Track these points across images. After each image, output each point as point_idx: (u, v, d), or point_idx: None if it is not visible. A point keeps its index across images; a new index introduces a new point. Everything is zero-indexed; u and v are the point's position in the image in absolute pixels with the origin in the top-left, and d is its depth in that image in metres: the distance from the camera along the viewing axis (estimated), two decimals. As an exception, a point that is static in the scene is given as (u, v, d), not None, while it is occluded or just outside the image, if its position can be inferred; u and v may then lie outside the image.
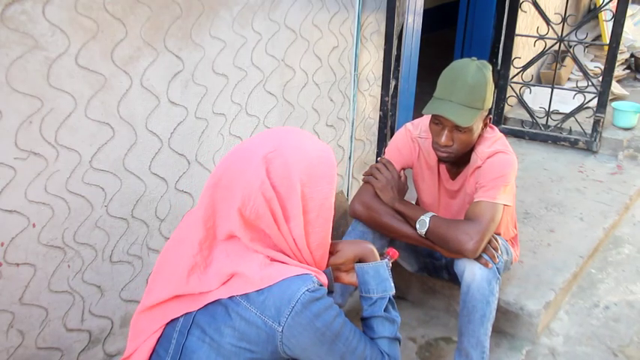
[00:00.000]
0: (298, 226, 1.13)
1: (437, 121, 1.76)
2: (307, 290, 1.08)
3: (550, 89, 3.63)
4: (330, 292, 1.20)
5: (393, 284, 1.34)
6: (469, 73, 1.70)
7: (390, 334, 1.28)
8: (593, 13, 3.78)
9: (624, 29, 3.36)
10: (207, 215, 1.14)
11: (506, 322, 2.16)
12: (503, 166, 1.79)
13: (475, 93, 1.70)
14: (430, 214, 1.81)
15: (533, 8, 3.54)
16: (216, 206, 1.14)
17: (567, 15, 3.48)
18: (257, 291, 1.08)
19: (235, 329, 1.09)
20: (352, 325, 1.18)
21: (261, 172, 1.10)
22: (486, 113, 1.79)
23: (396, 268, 1.46)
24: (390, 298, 1.32)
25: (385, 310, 1.30)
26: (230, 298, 1.10)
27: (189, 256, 1.13)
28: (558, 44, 3.54)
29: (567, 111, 3.63)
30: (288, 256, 1.15)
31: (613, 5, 3.34)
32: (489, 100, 1.77)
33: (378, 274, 1.33)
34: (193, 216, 1.19)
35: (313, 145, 1.17)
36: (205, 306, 1.12)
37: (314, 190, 1.14)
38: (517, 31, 3.61)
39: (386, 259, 1.38)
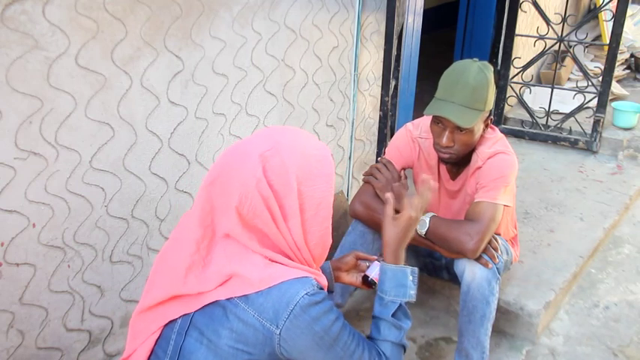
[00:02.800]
0: (296, 224, 1.12)
1: (438, 121, 1.76)
2: (306, 294, 1.07)
3: (550, 89, 3.63)
4: (329, 291, 1.19)
5: (413, 293, 1.32)
6: (471, 74, 1.70)
7: (395, 339, 1.27)
8: (593, 13, 3.78)
9: (624, 29, 3.36)
10: (204, 213, 1.13)
11: (506, 322, 2.16)
12: (503, 166, 1.79)
13: (476, 94, 1.70)
14: (430, 214, 1.81)
15: (533, 8, 3.54)
16: (214, 204, 1.13)
17: (567, 15, 3.48)
18: (256, 293, 1.08)
19: (233, 331, 1.08)
20: (351, 328, 1.17)
21: (257, 171, 1.10)
22: (487, 114, 1.79)
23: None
24: (401, 305, 1.30)
25: (395, 315, 1.28)
26: (228, 299, 1.09)
27: (186, 256, 1.12)
28: (558, 44, 3.54)
29: (567, 111, 3.63)
30: (287, 255, 1.14)
31: (613, 5, 3.34)
32: (490, 101, 1.77)
33: (396, 277, 1.31)
34: (190, 216, 1.18)
35: (310, 143, 1.17)
36: (203, 307, 1.11)
37: (311, 189, 1.13)
38: (517, 31, 3.61)
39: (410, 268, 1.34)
